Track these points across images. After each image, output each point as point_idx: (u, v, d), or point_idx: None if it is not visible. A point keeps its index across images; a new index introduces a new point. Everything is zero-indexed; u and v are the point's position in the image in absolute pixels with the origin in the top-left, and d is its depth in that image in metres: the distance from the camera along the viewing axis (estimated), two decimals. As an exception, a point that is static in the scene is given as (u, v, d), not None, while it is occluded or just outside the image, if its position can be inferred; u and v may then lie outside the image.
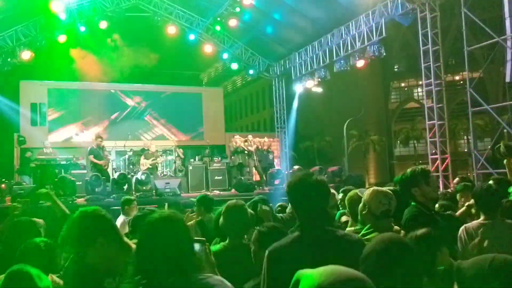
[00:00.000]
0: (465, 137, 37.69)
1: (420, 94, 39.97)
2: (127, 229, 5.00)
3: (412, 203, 3.32)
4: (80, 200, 10.99)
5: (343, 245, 2.25)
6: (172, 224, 1.93)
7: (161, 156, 14.81)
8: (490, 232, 3.58)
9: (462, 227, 3.67)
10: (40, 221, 3.80)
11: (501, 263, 1.47)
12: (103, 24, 15.76)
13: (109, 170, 14.03)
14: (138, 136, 19.24)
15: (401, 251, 1.64)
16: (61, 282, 2.76)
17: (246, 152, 14.35)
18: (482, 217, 3.73)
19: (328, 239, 2.28)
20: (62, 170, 12.17)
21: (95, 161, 12.82)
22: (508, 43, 10.38)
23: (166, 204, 6.66)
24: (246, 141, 15.02)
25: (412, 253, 1.65)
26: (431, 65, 12.04)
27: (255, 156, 14.51)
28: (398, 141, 40.92)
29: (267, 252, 2.30)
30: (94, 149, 12.92)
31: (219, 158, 16.08)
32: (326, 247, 2.22)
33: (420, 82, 12.58)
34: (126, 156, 14.76)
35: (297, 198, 2.41)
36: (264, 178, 14.64)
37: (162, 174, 14.70)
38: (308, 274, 1.23)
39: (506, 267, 1.46)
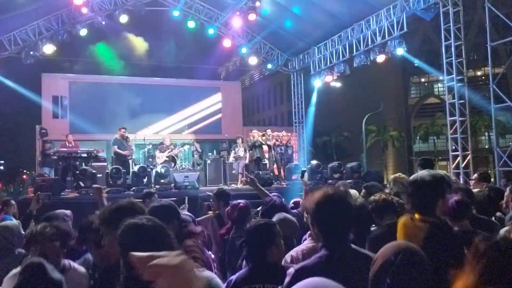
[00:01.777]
0: (486, 134, 37.12)
1: (440, 89, 39.48)
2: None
3: None
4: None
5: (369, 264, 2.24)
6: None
7: (176, 148, 14.95)
8: None
9: None
10: (68, 212, 3.88)
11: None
12: (124, 18, 15.88)
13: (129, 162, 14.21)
14: (156, 130, 19.43)
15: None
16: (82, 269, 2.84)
17: (263, 146, 14.39)
18: None
19: (355, 258, 2.25)
20: (83, 163, 12.38)
21: (119, 151, 13.01)
22: (533, 38, 10.19)
23: (186, 197, 6.72)
24: (263, 135, 15.02)
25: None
26: (453, 60, 11.87)
27: (273, 151, 14.52)
28: (418, 137, 40.50)
29: (293, 270, 2.26)
30: (118, 139, 13.12)
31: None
32: (354, 267, 2.19)
33: (441, 78, 12.40)
34: (145, 149, 14.95)
35: (324, 218, 2.33)
36: (282, 173, 14.64)
37: (181, 168, 14.82)
38: None
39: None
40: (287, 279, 2.22)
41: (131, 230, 1.90)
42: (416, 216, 2.74)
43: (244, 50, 18.50)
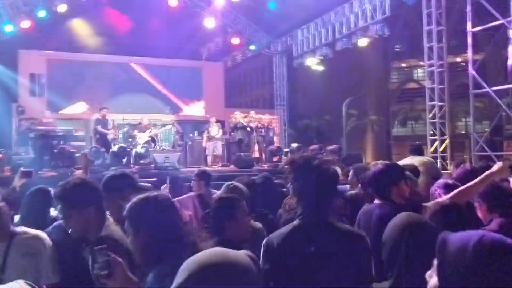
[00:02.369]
0: (463, 119, 37.72)
1: (420, 74, 39.83)
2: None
3: None
4: (79, 172, 11.01)
5: (345, 240, 2.15)
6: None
7: (156, 128, 14.82)
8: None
9: None
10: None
11: (486, 245, 1.29)
12: (104, -5, 15.57)
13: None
14: (136, 110, 19.19)
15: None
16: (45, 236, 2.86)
17: (246, 128, 14.36)
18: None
19: (330, 232, 2.15)
20: (61, 142, 12.19)
21: (104, 130, 12.87)
22: (513, 25, 10.33)
23: (168, 177, 6.69)
24: (245, 117, 15.00)
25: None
26: (434, 45, 12.00)
27: (255, 133, 14.53)
28: (396, 122, 40.97)
29: (264, 240, 2.22)
30: (100, 119, 12.98)
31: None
32: (327, 241, 2.12)
33: (421, 63, 12.50)
34: (124, 129, 14.77)
35: (302, 183, 2.18)
36: (264, 155, 14.69)
37: (161, 148, 14.73)
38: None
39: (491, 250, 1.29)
40: (263, 248, 2.20)
41: None
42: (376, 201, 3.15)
43: (227, 30, 18.34)
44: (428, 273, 1.31)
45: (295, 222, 2.20)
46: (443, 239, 1.40)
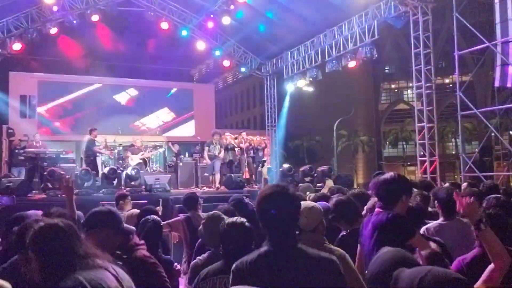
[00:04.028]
0: (453, 140, 38.09)
1: (410, 96, 40.31)
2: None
3: None
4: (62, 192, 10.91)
5: (315, 265, 2.15)
6: None
7: (149, 151, 14.73)
8: (448, 232, 3.69)
9: (423, 228, 3.75)
10: (39, 212, 3.78)
11: (430, 281, 1.39)
12: (95, 17, 15.66)
13: (98, 164, 13.94)
14: (128, 131, 19.17)
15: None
16: None
17: (237, 149, 14.33)
18: (441, 218, 3.90)
19: (299, 257, 2.16)
20: (51, 163, 12.11)
21: (102, 151, 12.77)
22: (498, 48, 10.54)
23: (161, 200, 6.70)
24: (236, 138, 15.01)
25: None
26: (422, 67, 12.18)
27: (245, 154, 14.53)
28: (387, 142, 41.29)
29: (233, 266, 2.23)
30: (92, 140, 12.77)
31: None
32: (296, 266, 2.13)
33: (410, 84, 12.71)
34: (116, 151, 14.69)
35: (267, 213, 2.22)
36: (254, 176, 14.67)
37: (152, 170, 14.67)
38: None
39: (434, 284, 1.38)
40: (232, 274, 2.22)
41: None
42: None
43: (217, 52, 18.49)
44: None
45: (263, 248, 2.22)
46: (396, 275, 1.43)
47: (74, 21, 15.44)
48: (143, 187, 12.05)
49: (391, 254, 1.74)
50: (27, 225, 2.15)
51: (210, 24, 16.55)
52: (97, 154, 12.91)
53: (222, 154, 13.21)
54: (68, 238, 2.00)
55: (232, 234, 2.90)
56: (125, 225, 3.10)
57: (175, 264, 4.16)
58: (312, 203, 3.32)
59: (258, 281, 2.00)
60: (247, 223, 2.98)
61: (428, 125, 12.21)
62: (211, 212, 3.79)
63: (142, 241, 3.28)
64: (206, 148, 13.36)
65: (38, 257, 1.95)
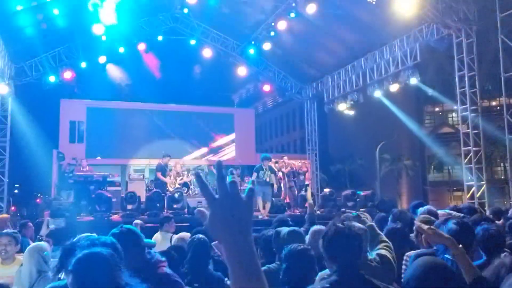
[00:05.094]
0: (502, 164, 36.66)
1: (455, 119, 39.30)
2: (168, 245, 5.22)
3: None
4: (115, 217, 11.25)
5: None
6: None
7: (190, 175, 14.98)
8: None
9: None
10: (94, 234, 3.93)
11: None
12: (141, 46, 16.28)
13: (143, 187, 14.30)
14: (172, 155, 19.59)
15: (441, 275, 1.67)
16: None
17: (279, 173, 14.33)
18: None
19: (363, 284, 2.39)
20: (98, 187, 12.52)
21: (162, 178, 13.35)
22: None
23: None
24: (277, 162, 15.05)
25: (453, 277, 1.67)
26: (467, 90, 11.92)
27: (286, 178, 14.52)
28: (432, 167, 40.14)
29: None
30: (162, 166, 13.41)
31: (250, 178, 16.17)
32: None
33: (455, 107, 12.39)
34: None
35: (334, 251, 2.51)
36: (295, 200, 14.61)
37: (194, 193, 14.89)
38: None
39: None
40: None
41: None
42: None
43: (258, 78, 18.76)
44: None
45: (333, 277, 2.43)
46: None
47: (121, 50, 16.11)
48: (186, 210, 12.24)
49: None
50: (71, 250, 2.13)
51: (252, 50, 16.86)
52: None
53: (273, 179, 12.51)
54: (112, 268, 1.96)
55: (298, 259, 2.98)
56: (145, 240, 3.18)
57: (226, 279, 4.21)
58: None
59: None
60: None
61: (474, 148, 11.87)
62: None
63: (164, 259, 3.28)
64: (255, 174, 12.56)
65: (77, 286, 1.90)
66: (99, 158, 18.15)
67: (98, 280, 1.91)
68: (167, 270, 3.16)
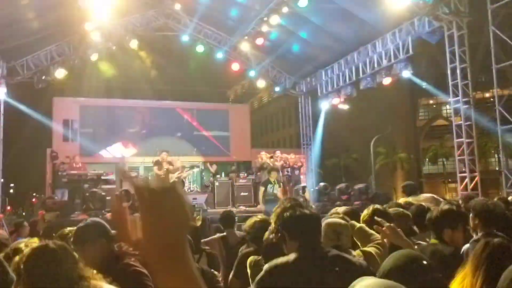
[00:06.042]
0: (496, 155, 36.83)
1: (449, 111, 39.41)
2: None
3: None
4: (110, 214, 11.22)
5: (343, 266, 2.35)
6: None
7: (186, 171, 15.00)
8: None
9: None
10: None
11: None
12: (133, 43, 16.22)
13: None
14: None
15: (423, 266, 1.69)
16: None
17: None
18: None
19: (328, 259, 2.40)
20: (92, 185, 12.49)
21: (157, 172, 13.42)
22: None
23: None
24: (271, 157, 15.07)
25: (429, 270, 1.70)
26: (459, 82, 11.94)
27: (280, 173, 14.54)
28: (427, 159, 40.28)
29: (266, 266, 2.44)
30: (159, 162, 13.50)
31: (245, 174, 16.20)
32: (325, 267, 2.34)
33: (449, 99, 12.40)
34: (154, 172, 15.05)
35: (293, 231, 2.53)
36: (290, 195, 14.63)
37: (189, 190, 14.91)
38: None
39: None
40: (261, 273, 2.43)
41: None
42: None
43: (252, 73, 18.73)
44: None
45: (292, 255, 2.43)
46: None
47: (114, 47, 16.05)
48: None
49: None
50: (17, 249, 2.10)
51: (245, 46, 16.82)
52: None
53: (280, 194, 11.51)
54: (61, 261, 1.87)
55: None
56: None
57: (217, 274, 4.23)
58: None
59: (290, 282, 2.28)
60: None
61: (467, 140, 11.92)
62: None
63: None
64: (262, 189, 11.71)
65: (28, 284, 1.83)
66: (97, 154, 18.12)
67: (46, 273, 1.86)
68: (133, 262, 2.96)
